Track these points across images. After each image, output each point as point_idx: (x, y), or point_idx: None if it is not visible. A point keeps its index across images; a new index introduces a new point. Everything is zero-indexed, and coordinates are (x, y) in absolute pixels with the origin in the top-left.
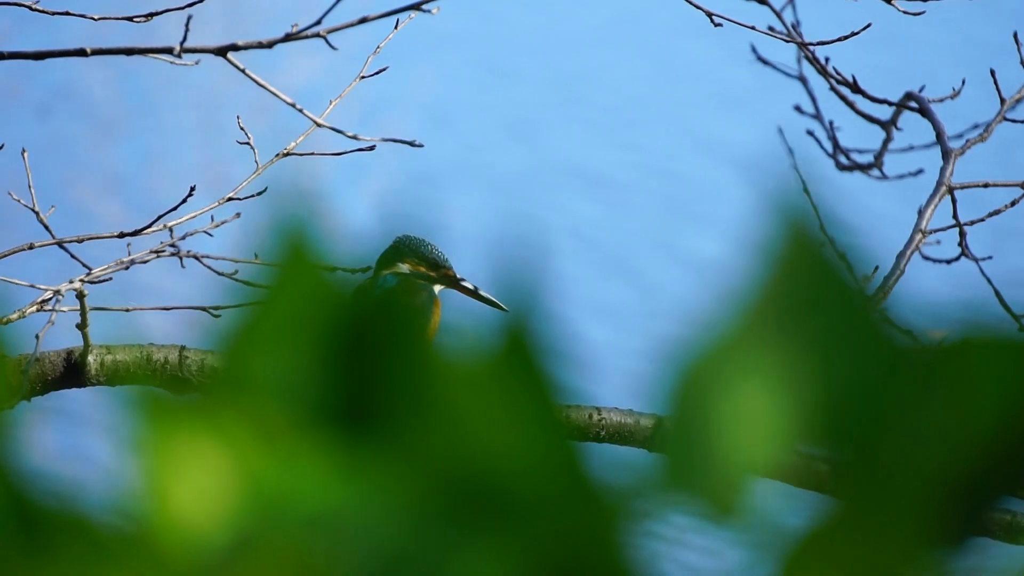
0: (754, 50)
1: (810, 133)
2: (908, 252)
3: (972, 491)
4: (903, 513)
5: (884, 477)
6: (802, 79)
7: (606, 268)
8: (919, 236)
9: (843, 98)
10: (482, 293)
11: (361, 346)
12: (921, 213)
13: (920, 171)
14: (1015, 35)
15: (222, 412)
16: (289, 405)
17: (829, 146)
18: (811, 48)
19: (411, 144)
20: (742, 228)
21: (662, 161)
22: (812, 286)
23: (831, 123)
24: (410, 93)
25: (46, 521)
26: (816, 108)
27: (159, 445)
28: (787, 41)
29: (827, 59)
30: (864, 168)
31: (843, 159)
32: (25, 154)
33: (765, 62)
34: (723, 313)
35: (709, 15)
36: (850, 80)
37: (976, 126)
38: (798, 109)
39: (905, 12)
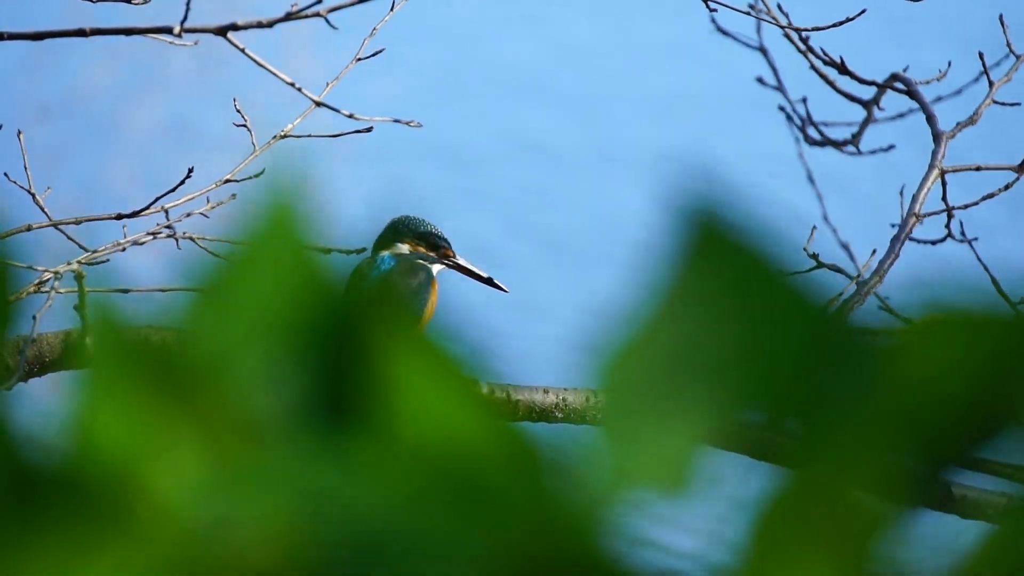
0: (714, 21)
1: (781, 109)
2: (903, 236)
3: (928, 462)
4: (859, 481)
5: (834, 446)
6: (763, 50)
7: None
8: (913, 220)
9: (824, 77)
10: (480, 273)
11: (340, 332)
12: (914, 197)
13: (891, 146)
14: (1000, 17)
15: (199, 394)
16: (266, 386)
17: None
18: (791, 28)
19: (409, 124)
20: (656, 218)
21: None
22: (732, 265)
23: (804, 98)
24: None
25: (43, 493)
26: (778, 80)
27: (134, 424)
28: (779, 25)
29: (807, 37)
30: (837, 144)
31: (814, 134)
32: (21, 136)
33: (725, 33)
34: (647, 295)
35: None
36: (837, 60)
37: (958, 91)
38: (760, 81)
39: None
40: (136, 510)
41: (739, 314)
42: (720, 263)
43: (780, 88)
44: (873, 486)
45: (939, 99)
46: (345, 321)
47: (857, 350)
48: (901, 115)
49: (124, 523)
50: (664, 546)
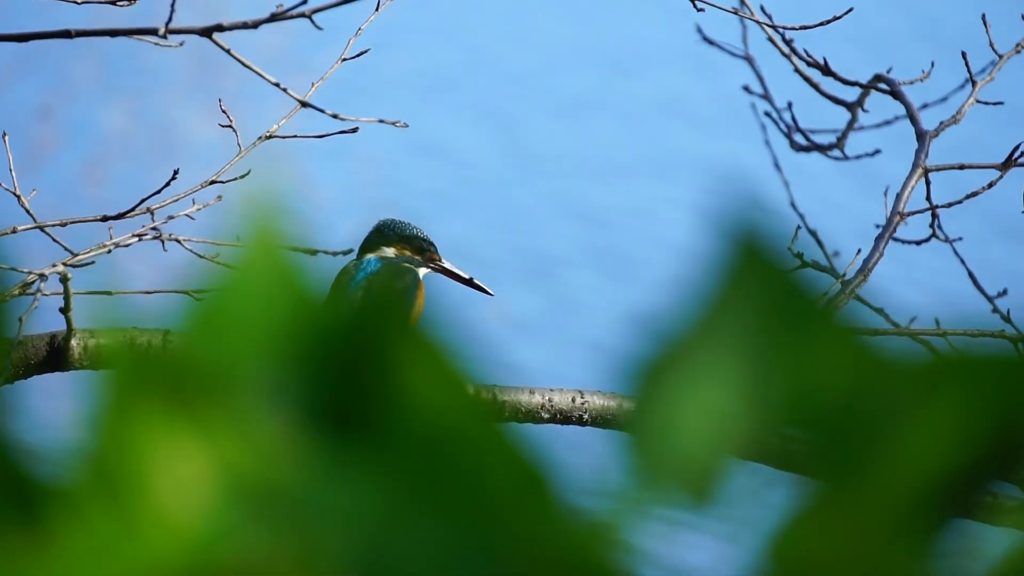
0: (700, 31)
1: (767, 115)
2: (887, 235)
3: (956, 475)
4: (885, 496)
5: (861, 463)
6: (748, 59)
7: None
8: (897, 218)
9: (807, 79)
10: (467, 277)
11: (343, 343)
12: (899, 196)
13: (877, 151)
14: (983, 16)
15: (198, 402)
16: (265, 396)
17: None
18: (779, 29)
19: (395, 124)
20: (694, 235)
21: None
22: (767, 285)
23: (789, 103)
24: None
25: (42, 500)
26: (764, 88)
27: (136, 435)
28: (762, 25)
29: (791, 39)
30: (823, 148)
31: (800, 139)
32: (6, 137)
33: (711, 42)
34: (683, 311)
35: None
36: (820, 62)
37: (944, 99)
38: (746, 89)
39: None
40: (142, 523)
41: (774, 334)
42: (758, 283)
43: (766, 96)
44: (904, 503)
45: (925, 106)
46: (348, 332)
47: (886, 373)
48: (887, 122)
49: (128, 536)
50: (679, 560)
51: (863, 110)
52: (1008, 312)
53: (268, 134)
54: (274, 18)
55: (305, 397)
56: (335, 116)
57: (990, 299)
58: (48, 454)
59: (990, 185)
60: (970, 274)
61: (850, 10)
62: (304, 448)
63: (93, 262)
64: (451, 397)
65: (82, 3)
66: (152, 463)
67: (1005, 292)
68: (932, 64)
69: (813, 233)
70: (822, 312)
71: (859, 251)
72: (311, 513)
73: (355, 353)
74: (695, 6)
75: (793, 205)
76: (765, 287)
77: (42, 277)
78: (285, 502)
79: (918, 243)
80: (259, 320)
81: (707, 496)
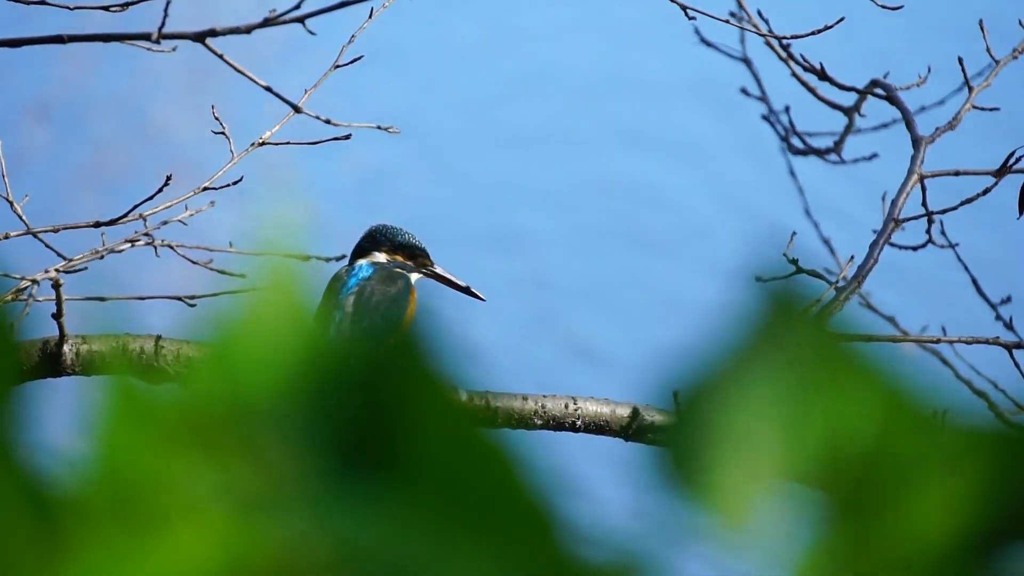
0: (697, 32)
1: (765, 118)
2: (881, 241)
3: (980, 532)
4: (915, 521)
5: (888, 506)
6: (746, 60)
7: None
8: (892, 225)
9: (805, 84)
10: (459, 282)
11: (357, 378)
12: (894, 202)
13: (874, 155)
14: (980, 23)
15: (213, 428)
16: (278, 426)
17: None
18: (775, 37)
19: (388, 130)
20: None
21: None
22: (804, 331)
23: (787, 107)
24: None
25: (52, 508)
26: (762, 90)
27: (150, 453)
28: (760, 33)
29: (788, 45)
30: (820, 152)
31: (797, 143)
32: None
33: (708, 44)
34: (725, 345)
35: (683, 8)
36: (816, 67)
37: (942, 102)
38: (744, 92)
39: (884, 7)
40: (155, 542)
41: (809, 375)
42: (792, 327)
43: (764, 98)
44: (936, 527)
45: (923, 109)
46: (361, 365)
47: (920, 426)
48: (885, 125)
49: (142, 554)
50: None
51: (860, 115)
52: (1011, 320)
53: (260, 141)
54: (267, 23)
55: (317, 429)
56: (328, 122)
57: (993, 306)
58: (60, 467)
59: (985, 191)
60: (973, 280)
61: (841, 19)
62: (316, 478)
63: (86, 268)
64: (464, 434)
65: (74, 9)
66: (165, 482)
67: (1009, 299)
68: (929, 69)
69: (827, 242)
70: (857, 358)
71: (852, 257)
72: (323, 538)
73: (368, 387)
74: (687, 15)
75: (808, 212)
76: (799, 331)
77: (34, 283)
78: (297, 525)
79: (915, 248)
80: (273, 352)
81: (740, 521)
